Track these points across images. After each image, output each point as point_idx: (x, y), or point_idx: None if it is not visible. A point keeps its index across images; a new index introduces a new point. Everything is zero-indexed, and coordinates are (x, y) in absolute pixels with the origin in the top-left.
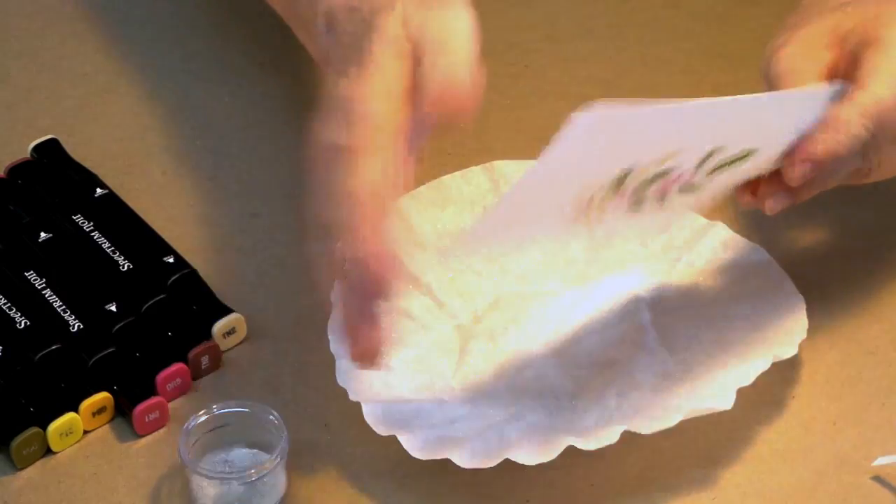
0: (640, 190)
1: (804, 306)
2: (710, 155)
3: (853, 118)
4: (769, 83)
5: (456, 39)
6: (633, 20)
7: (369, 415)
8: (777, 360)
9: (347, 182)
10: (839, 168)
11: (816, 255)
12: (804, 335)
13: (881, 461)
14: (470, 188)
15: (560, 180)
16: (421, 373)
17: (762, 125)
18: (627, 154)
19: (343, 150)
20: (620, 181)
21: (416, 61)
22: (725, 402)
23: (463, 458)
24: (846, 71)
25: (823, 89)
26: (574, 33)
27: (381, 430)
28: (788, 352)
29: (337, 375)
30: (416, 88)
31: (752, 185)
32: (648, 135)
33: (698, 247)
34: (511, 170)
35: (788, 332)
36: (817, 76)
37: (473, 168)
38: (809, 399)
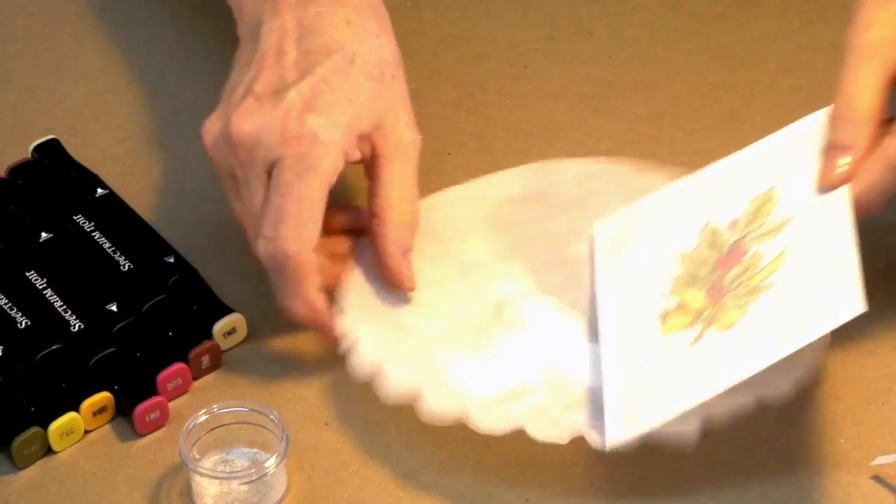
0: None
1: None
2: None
3: (883, 174)
4: (848, 50)
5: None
6: (633, 20)
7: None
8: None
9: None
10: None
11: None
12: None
13: (880, 460)
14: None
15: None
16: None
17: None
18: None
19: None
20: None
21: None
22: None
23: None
24: None
25: (805, 127)
26: (574, 33)
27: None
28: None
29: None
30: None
31: None
32: (667, 220)
33: None
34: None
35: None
36: (889, 72)
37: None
38: (809, 399)
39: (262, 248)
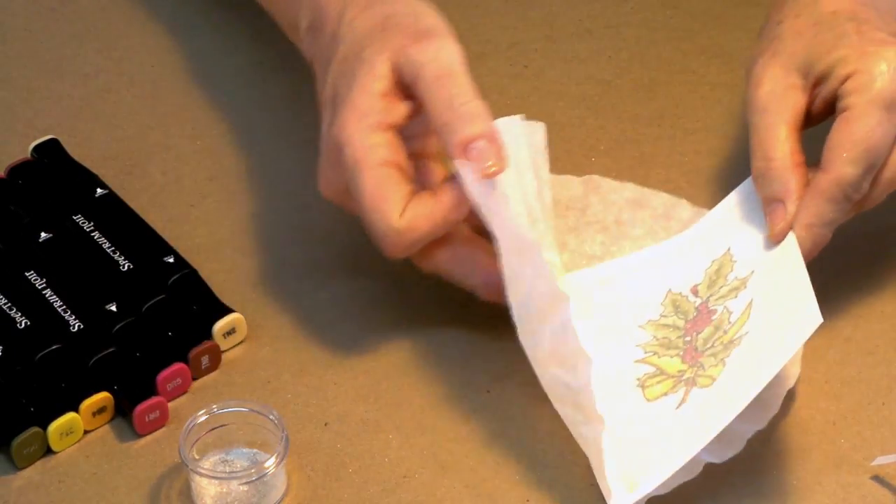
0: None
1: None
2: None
3: (823, 209)
4: (749, 110)
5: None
6: (633, 20)
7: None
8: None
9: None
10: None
11: (816, 255)
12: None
13: (880, 461)
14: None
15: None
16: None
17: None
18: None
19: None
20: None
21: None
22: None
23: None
24: (815, 116)
25: (745, 189)
26: (574, 33)
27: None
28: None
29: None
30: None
31: None
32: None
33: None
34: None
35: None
36: (790, 120)
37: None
38: (809, 399)
39: None
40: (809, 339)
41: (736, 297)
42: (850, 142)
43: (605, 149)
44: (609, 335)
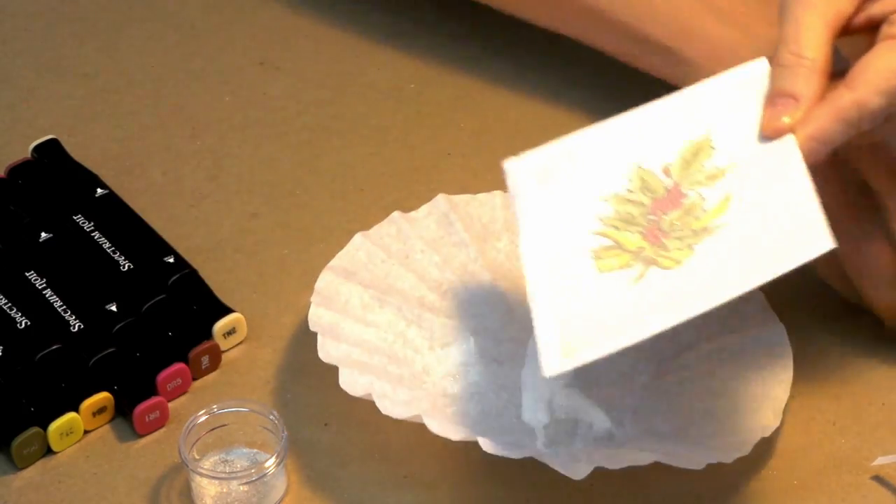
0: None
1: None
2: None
3: (829, 124)
4: (783, 5)
5: None
6: None
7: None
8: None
9: None
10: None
11: None
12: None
13: (881, 461)
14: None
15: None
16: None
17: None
18: (590, 187)
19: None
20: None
21: None
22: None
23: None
24: (853, 28)
25: (742, 76)
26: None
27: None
28: (768, 429)
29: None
30: None
31: None
32: (595, 162)
33: None
34: None
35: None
36: (832, 23)
37: None
38: (809, 399)
39: None
40: (809, 339)
41: (713, 185)
42: (888, 70)
43: None
44: (568, 204)
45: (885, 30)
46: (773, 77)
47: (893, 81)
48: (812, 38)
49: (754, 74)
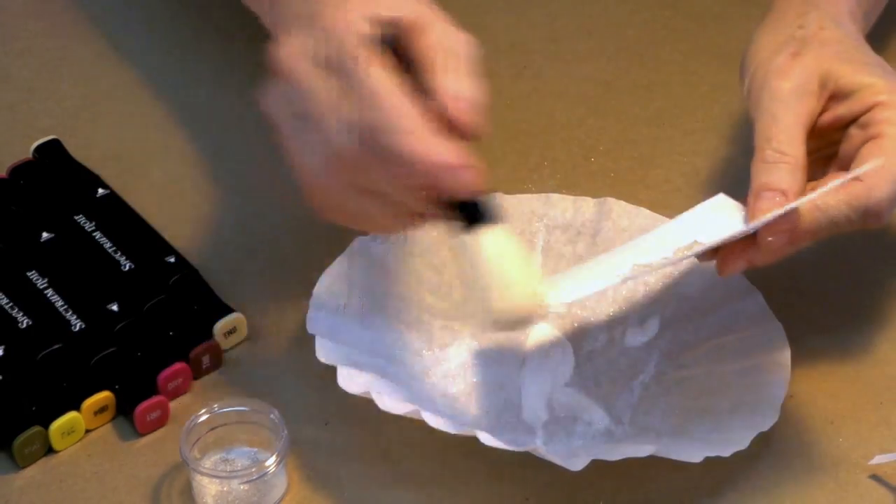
0: None
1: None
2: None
3: (842, 208)
4: (767, 97)
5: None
6: (633, 20)
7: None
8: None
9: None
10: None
11: (815, 254)
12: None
13: (878, 460)
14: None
15: None
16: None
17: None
18: None
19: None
20: None
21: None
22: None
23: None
24: (828, 129)
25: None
26: (574, 33)
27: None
28: (767, 423)
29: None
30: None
31: (713, 251)
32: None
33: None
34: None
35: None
36: (806, 122)
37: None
38: (807, 398)
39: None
40: (807, 338)
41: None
42: (887, 173)
43: (604, 149)
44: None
45: (868, 131)
46: (757, 173)
47: (892, 177)
48: (792, 136)
49: (719, 202)
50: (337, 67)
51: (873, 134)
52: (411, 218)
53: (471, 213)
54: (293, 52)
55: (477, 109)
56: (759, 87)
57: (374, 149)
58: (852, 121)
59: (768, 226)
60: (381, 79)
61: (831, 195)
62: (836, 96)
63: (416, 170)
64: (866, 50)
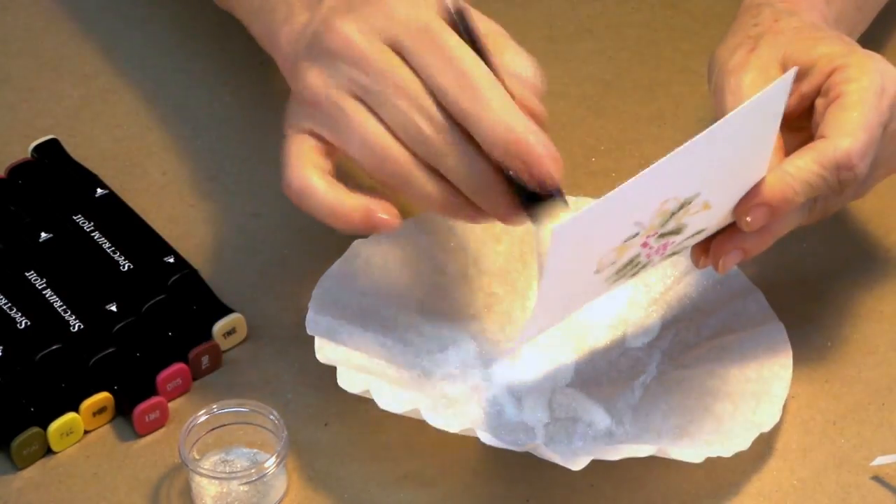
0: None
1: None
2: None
3: (810, 166)
4: (722, 100)
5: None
6: (633, 20)
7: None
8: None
9: None
10: (792, 214)
11: (815, 254)
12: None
13: (880, 461)
14: None
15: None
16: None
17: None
18: (609, 238)
19: None
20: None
21: None
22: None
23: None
24: (796, 111)
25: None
26: (574, 33)
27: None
28: (768, 423)
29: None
30: None
31: (704, 247)
32: (616, 220)
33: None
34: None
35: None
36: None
37: None
38: (809, 399)
39: None
40: (809, 338)
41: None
42: (849, 123)
43: (605, 149)
44: (584, 259)
45: (828, 96)
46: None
47: (856, 128)
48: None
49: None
50: (411, 42)
51: (833, 96)
52: (469, 206)
53: (542, 206)
54: (355, 29)
55: (540, 92)
56: (721, 88)
57: (466, 118)
58: (818, 95)
59: (740, 205)
60: (468, 51)
61: (798, 157)
62: (798, 77)
63: (508, 149)
64: (825, 28)
